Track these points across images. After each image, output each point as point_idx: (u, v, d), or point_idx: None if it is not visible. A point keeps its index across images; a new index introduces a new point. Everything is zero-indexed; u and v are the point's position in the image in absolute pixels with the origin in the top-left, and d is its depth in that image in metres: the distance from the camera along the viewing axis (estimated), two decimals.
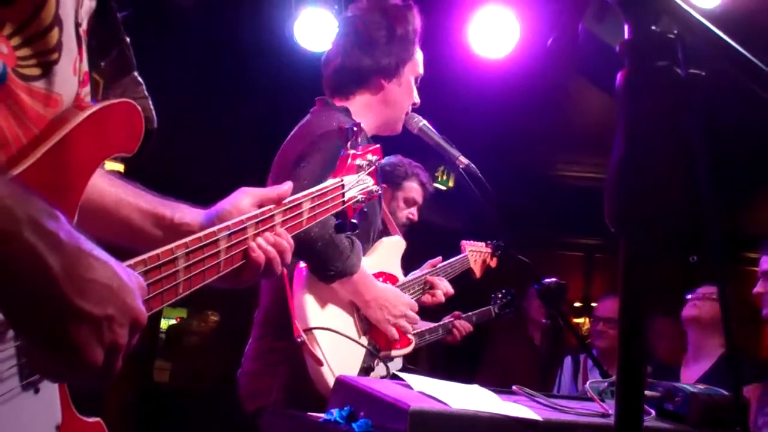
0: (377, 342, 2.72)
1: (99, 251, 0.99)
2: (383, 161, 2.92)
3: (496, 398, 1.99)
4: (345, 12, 3.02)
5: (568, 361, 5.24)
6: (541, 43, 5.04)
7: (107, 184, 1.45)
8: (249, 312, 2.87)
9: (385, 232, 3.10)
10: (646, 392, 2.14)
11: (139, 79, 1.36)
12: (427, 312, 3.27)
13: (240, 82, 5.94)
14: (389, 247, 2.97)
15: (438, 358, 6.97)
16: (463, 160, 2.94)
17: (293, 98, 3.43)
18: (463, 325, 3.63)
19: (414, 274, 3.12)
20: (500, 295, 4.03)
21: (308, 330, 2.48)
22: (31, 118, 1.08)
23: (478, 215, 3.22)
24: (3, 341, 1.01)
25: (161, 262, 1.21)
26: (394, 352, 2.79)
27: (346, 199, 1.87)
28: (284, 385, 2.54)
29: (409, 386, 1.96)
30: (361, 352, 2.65)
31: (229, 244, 1.41)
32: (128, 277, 1.02)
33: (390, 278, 2.90)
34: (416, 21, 2.85)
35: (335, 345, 2.52)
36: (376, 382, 2.04)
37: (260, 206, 1.55)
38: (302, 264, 2.56)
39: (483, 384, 2.15)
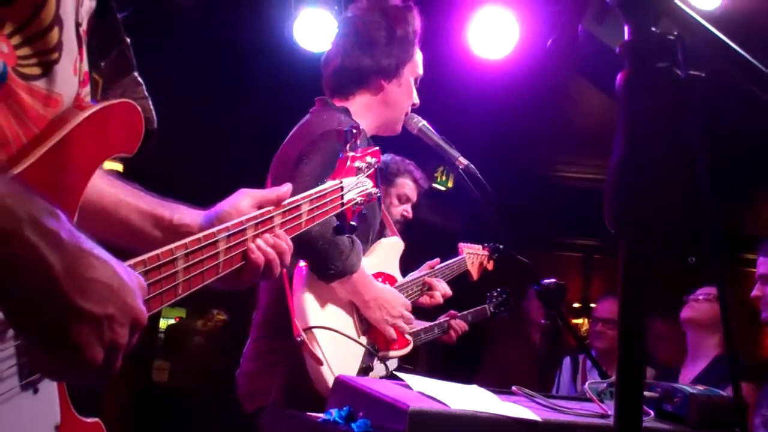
0: (376, 342, 2.72)
1: (100, 250, 0.99)
2: None
3: (495, 398, 1.99)
4: (345, 12, 3.02)
5: (567, 361, 5.25)
6: (540, 44, 5.03)
7: (106, 184, 1.45)
8: (248, 312, 2.87)
9: (384, 233, 3.10)
10: (645, 393, 2.14)
11: (139, 79, 1.36)
12: (422, 311, 3.28)
13: (239, 82, 5.94)
14: (388, 248, 2.97)
15: (437, 359, 6.97)
16: (463, 160, 2.94)
17: (293, 98, 3.43)
18: (459, 324, 3.63)
19: (412, 276, 3.12)
20: (495, 294, 4.02)
21: (308, 329, 2.48)
22: (32, 117, 1.08)
23: (478, 216, 3.22)
24: (3, 340, 1.01)
25: (161, 262, 1.21)
26: (392, 353, 2.79)
27: (345, 201, 1.87)
28: (283, 385, 2.54)
29: (408, 386, 1.96)
30: (360, 352, 2.65)
31: (228, 246, 1.41)
32: (129, 276, 1.02)
33: (388, 279, 2.91)
34: (416, 22, 2.85)
35: (335, 344, 2.52)
36: (375, 382, 2.04)
37: (259, 207, 1.55)
38: (302, 263, 2.56)
39: (482, 384, 2.15)
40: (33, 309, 0.91)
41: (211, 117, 6.47)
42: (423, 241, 3.93)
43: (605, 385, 2.25)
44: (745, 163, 6.05)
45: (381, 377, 2.69)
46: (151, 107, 1.33)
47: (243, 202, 1.54)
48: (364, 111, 2.81)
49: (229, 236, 1.41)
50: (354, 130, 1.95)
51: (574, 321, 8.32)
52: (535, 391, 2.14)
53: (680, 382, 3.68)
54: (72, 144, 1.10)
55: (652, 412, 2.14)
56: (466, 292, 3.79)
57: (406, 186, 3.99)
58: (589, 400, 2.11)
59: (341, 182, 1.86)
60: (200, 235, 1.34)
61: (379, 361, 2.73)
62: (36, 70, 1.08)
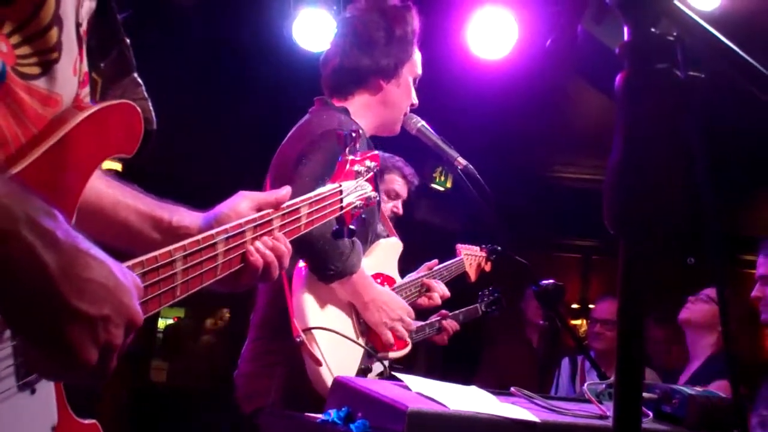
0: (375, 343, 2.72)
1: (96, 250, 0.99)
2: None
3: (494, 399, 1.99)
4: (344, 12, 3.02)
5: (565, 362, 5.25)
6: (539, 45, 5.04)
7: (105, 186, 1.44)
8: (247, 313, 2.87)
9: (383, 233, 3.09)
10: (644, 394, 2.14)
11: (139, 80, 1.36)
12: (416, 312, 3.27)
13: (239, 81, 5.94)
14: (386, 249, 2.97)
15: (436, 359, 6.97)
16: (462, 161, 2.93)
17: (292, 98, 3.43)
18: (450, 324, 3.63)
19: (410, 277, 3.12)
20: (486, 293, 4.01)
21: (307, 330, 2.48)
22: (30, 117, 1.07)
23: (477, 216, 3.22)
24: (0, 341, 1.01)
25: (159, 264, 1.21)
26: (391, 354, 2.78)
27: (344, 204, 1.87)
28: (282, 386, 2.54)
29: (407, 387, 1.96)
30: (359, 353, 2.65)
31: (227, 248, 1.41)
32: (125, 276, 1.02)
33: (387, 280, 2.90)
34: (415, 22, 2.85)
35: (334, 345, 2.52)
36: (374, 383, 2.03)
37: (258, 210, 1.55)
38: (301, 264, 2.55)
39: (481, 385, 2.15)
40: (28, 309, 0.91)
41: (211, 117, 6.47)
42: (421, 242, 3.92)
43: (604, 386, 2.25)
44: (744, 164, 6.06)
45: (379, 378, 2.69)
46: (151, 108, 1.32)
47: (242, 204, 1.54)
48: (363, 111, 2.81)
49: (227, 238, 1.41)
50: (354, 134, 1.95)
51: (573, 322, 8.32)
52: (533, 392, 2.14)
53: (679, 383, 3.69)
54: (71, 144, 1.10)
55: (650, 414, 2.14)
56: (466, 293, 3.79)
57: (395, 182, 3.98)
58: (588, 401, 2.10)
59: (340, 186, 1.86)
60: (199, 237, 1.34)
61: (378, 362, 2.73)
62: (35, 70, 1.08)
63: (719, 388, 3.49)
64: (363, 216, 2.02)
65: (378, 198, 2.09)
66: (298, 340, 2.43)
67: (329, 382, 2.30)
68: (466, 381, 2.23)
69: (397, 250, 3.03)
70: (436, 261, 3.30)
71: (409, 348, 2.87)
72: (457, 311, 3.73)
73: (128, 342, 1.03)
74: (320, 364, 2.44)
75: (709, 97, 1.08)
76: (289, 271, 2.55)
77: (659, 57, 1.02)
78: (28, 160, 1.04)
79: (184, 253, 1.28)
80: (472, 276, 3.63)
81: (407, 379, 2.02)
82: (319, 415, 1.93)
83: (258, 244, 1.50)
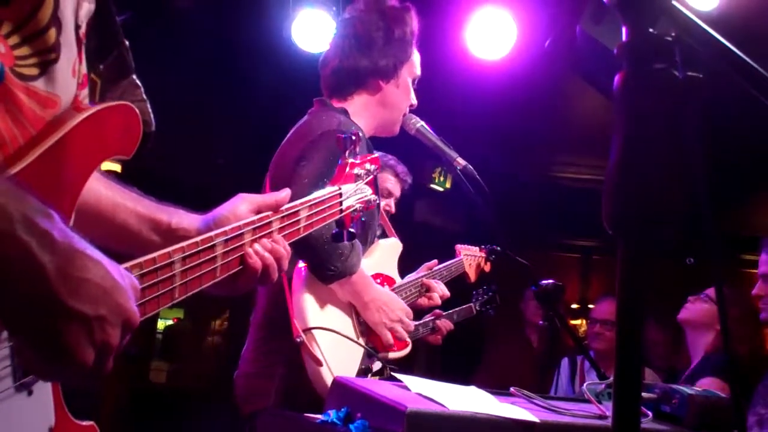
0: (375, 343, 2.72)
1: (92, 251, 0.98)
2: None
3: (494, 400, 1.99)
4: (343, 14, 3.03)
5: (565, 362, 5.25)
6: (538, 45, 5.04)
7: (104, 188, 1.44)
8: (247, 313, 2.87)
9: (383, 234, 3.10)
10: (643, 394, 2.14)
11: (138, 82, 1.36)
12: (414, 312, 3.27)
13: (238, 82, 5.94)
14: (386, 250, 2.97)
15: (435, 360, 6.97)
16: (461, 161, 2.94)
17: (291, 99, 3.43)
18: (444, 324, 3.62)
19: (410, 277, 3.12)
20: (481, 292, 4.00)
21: (307, 330, 2.48)
22: (29, 118, 1.07)
23: (476, 217, 3.22)
24: None
25: (157, 266, 1.21)
26: (391, 354, 2.78)
27: (343, 207, 1.86)
28: (282, 387, 2.54)
29: (406, 387, 1.96)
30: (359, 353, 2.65)
31: (225, 250, 1.41)
32: (121, 277, 1.02)
33: (387, 280, 2.90)
34: (414, 23, 2.86)
35: (334, 345, 2.52)
36: (373, 383, 2.03)
37: (258, 213, 1.55)
38: (301, 264, 2.55)
39: (480, 385, 2.15)
40: (24, 309, 0.91)
41: (210, 117, 6.47)
42: (421, 243, 3.92)
43: (603, 386, 2.25)
44: (744, 164, 6.06)
45: (380, 378, 2.69)
46: (149, 110, 1.33)
47: (241, 207, 1.54)
48: (362, 111, 2.81)
49: (226, 240, 1.41)
50: (353, 137, 1.95)
51: (573, 322, 8.32)
52: (533, 392, 2.14)
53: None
54: (69, 145, 1.10)
55: (650, 413, 2.14)
56: (465, 293, 3.79)
57: (388, 180, 3.97)
58: (587, 401, 2.10)
59: (340, 189, 1.85)
60: (198, 239, 1.34)
61: (378, 363, 2.73)
62: (34, 71, 1.08)
63: (706, 385, 3.51)
64: (363, 219, 2.02)
65: (378, 201, 2.09)
66: (298, 340, 2.43)
67: (329, 382, 2.30)
68: (465, 381, 2.23)
69: (397, 250, 3.04)
70: (435, 261, 3.30)
71: (409, 348, 2.87)
72: (451, 311, 3.73)
73: (125, 342, 1.03)
74: (320, 365, 2.44)
75: (707, 98, 1.08)
76: (289, 272, 2.55)
77: (658, 57, 1.02)
78: (26, 161, 1.04)
79: (183, 255, 1.28)
80: (472, 276, 3.63)
81: (406, 379, 2.02)
82: (319, 416, 1.93)
83: (257, 246, 1.49)
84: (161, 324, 8.46)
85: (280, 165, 2.66)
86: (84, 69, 1.23)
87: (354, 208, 1.91)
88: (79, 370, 0.97)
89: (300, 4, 5.00)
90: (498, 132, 6.39)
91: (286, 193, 1.62)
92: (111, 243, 1.39)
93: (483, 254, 3.68)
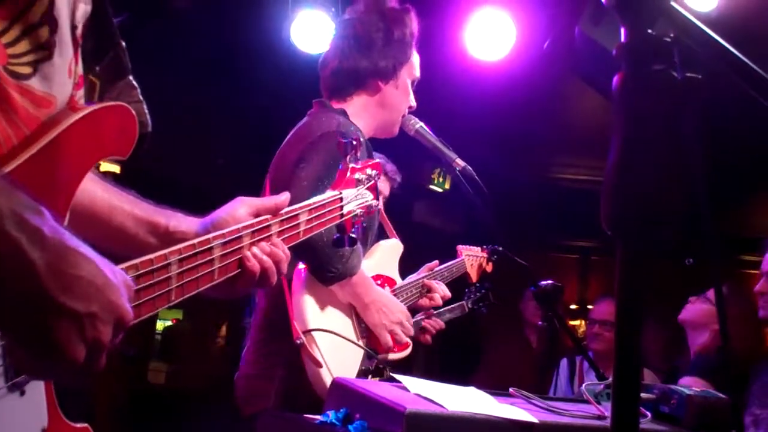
0: (375, 345, 2.72)
1: (84, 248, 0.98)
2: None
3: (493, 400, 1.99)
4: (343, 15, 3.03)
5: (564, 363, 5.24)
6: (537, 46, 5.05)
7: (101, 190, 1.44)
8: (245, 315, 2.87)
9: (383, 235, 3.09)
10: (642, 395, 2.14)
11: (134, 83, 1.36)
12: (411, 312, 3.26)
13: (236, 83, 5.94)
14: (387, 251, 2.97)
15: (434, 360, 6.97)
16: (460, 162, 2.94)
17: (290, 99, 3.43)
18: (433, 324, 3.60)
19: (411, 278, 3.11)
20: (473, 289, 3.97)
21: (307, 332, 2.47)
22: (22, 117, 1.07)
23: (475, 217, 3.22)
24: None
25: (154, 267, 1.21)
26: (391, 355, 2.78)
27: (344, 212, 1.86)
28: (282, 389, 2.54)
29: (405, 388, 1.96)
30: (359, 355, 2.65)
31: (223, 252, 1.40)
32: (114, 274, 1.01)
33: (387, 281, 2.90)
34: (413, 24, 2.86)
35: (334, 347, 2.52)
36: (372, 384, 2.03)
37: (257, 216, 1.54)
38: (301, 266, 2.55)
39: (479, 386, 2.15)
40: (14, 306, 0.91)
41: (209, 118, 6.47)
42: (422, 244, 3.92)
43: (602, 386, 2.25)
44: (744, 165, 6.07)
45: (380, 380, 2.69)
46: (146, 111, 1.32)
47: (240, 210, 1.54)
48: (361, 112, 2.82)
49: (224, 243, 1.41)
50: (354, 142, 1.95)
51: (571, 323, 8.32)
52: (532, 393, 2.14)
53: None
54: (64, 145, 1.09)
55: (649, 414, 2.14)
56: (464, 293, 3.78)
57: None
58: (586, 401, 2.10)
59: (341, 193, 1.85)
60: (195, 241, 1.33)
61: (378, 364, 2.72)
62: (27, 69, 1.08)
63: (686, 383, 3.52)
64: (364, 224, 2.01)
65: (379, 206, 2.09)
66: (298, 342, 2.43)
67: (329, 383, 2.30)
68: (464, 381, 2.23)
69: (398, 251, 3.03)
70: (436, 262, 3.29)
71: (409, 349, 2.87)
72: (442, 309, 3.71)
73: (118, 340, 1.03)
74: (320, 366, 2.44)
75: (706, 98, 1.08)
76: (289, 274, 2.55)
77: (656, 58, 1.02)
78: (20, 161, 1.03)
79: (180, 257, 1.27)
80: (474, 277, 3.61)
81: (405, 380, 2.02)
82: (318, 417, 1.93)
83: (255, 249, 1.49)
84: (160, 325, 8.46)
85: (280, 167, 2.66)
86: (80, 70, 1.23)
87: (355, 213, 1.91)
88: (70, 368, 0.96)
89: (299, 5, 5.00)
90: (497, 133, 6.39)
91: (285, 196, 1.61)
92: (108, 245, 1.38)
93: (485, 254, 3.67)
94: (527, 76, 5.42)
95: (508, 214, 3.95)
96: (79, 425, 1.20)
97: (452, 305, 3.78)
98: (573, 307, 8.62)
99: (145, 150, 1.28)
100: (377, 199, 2.06)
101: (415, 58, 2.92)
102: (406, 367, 2.92)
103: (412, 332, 2.79)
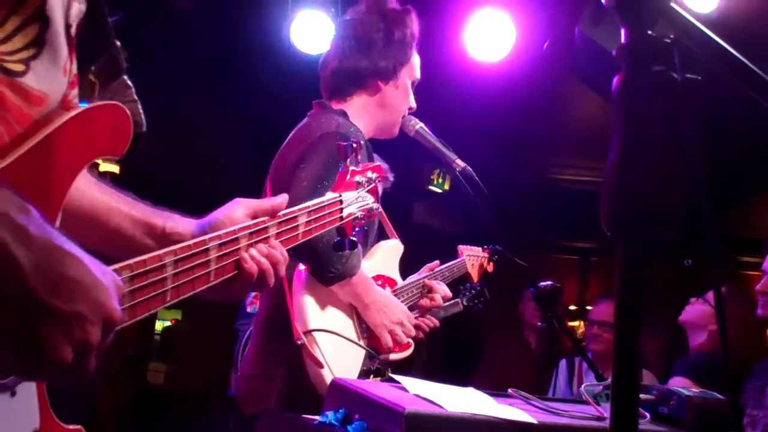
0: (376, 345, 2.72)
1: (72, 247, 0.96)
2: None
3: (492, 401, 1.99)
4: (344, 15, 3.03)
5: (563, 364, 5.24)
6: (537, 47, 5.05)
7: (98, 191, 1.43)
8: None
9: (384, 235, 3.09)
10: (641, 396, 2.14)
11: (129, 82, 1.35)
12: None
13: (236, 83, 5.95)
14: (387, 251, 2.97)
15: (433, 361, 6.97)
16: (460, 162, 2.94)
17: (290, 100, 3.43)
18: (425, 322, 3.59)
19: (412, 278, 3.11)
20: (468, 286, 3.96)
21: (308, 332, 2.47)
22: (14, 115, 1.05)
23: (475, 218, 3.22)
24: None
25: (148, 268, 1.20)
26: (393, 355, 2.78)
27: (344, 215, 1.85)
28: (283, 389, 2.54)
29: (404, 389, 1.96)
30: (361, 355, 2.64)
31: (220, 254, 1.39)
32: (102, 274, 1.00)
33: (388, 281, 2.90)
34: (414, 25, 2.86)
35: (335, 347, 2.52)
36: (371, 385, 2.03)
37: (254, 217, 1.53)
38: (302, 266, 2.55)
39: (478, 386, 2.15)
40: None
41: (209, 118, 6.47)
42: (421, 244, 3.91)
43: (601, 387, 2.25)
44: (744, 166, 6.07)
45: (381, 380, 2.69)
46: (141, 110, 1.32)
47: (237, 211, 1.53)
48: (361, 113, 2.82)
49: (221, 245, 1.40)
50: (354, 144, 1.94)
51: (571, 323, 8.32)
52: (531, 394, 2.14)
53: None
54: (56, 144, 1.08)
55: (648, 415, 2.14)
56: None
57: None
58: (585, 402, 2.10)
59: (340, 196, 1.84)
60: (191, 242, 1.32)
61: (380, 364, 2.72)
62: (20, 67, 1.06)
63: (674, 384, 3.53)
64: (365, 227, 2.01)
65: (380, 210, 2.08)
66: (299, 342, 2.43)
67: None
68: (463, 382, 2.23)
69: (398, 251, 3.03)
70: (437, 262, 3.29)
71: (411, 349, 2.86)
72: (437, 307, 3.69)
73: (108, 342, 1.01)
74: (322, 366, 2.43)
75: (706, 100, 1.08)
76: (289, 274, 2.55)
77: (656, 59, 1.02)
78: (10, 159, 1.02)
79: (175, 258, 1.27)
80: (475, 277, 3.60)
81: (404, 380, 2.02)
82: (317, 417, 1.93)
83: (253, 251, 1.48)
84: (159, 325, 8.46)
85: (280, 168, 2.66)
86: (75, 69, 1.22)
87: (355, 216, 1.90)
88: (57, 369, 0.94)
89: (299, 6, 5.00)
90: (497, 133, 6.40)
91: (283, 198, 1.60)
92: (105, 247, 1.38)
93: (486, 254, 3.66)
94: (527, 77, 5.43)
95: (507, 214, 3.95)
96: (72, 427, 1.18)
97: (446, 303, 3.77)
98: (572, 308, 8.62)
99: (141, 150, 1.28)
100: (378, 202, 2.06)
101: (416, 59, 2.92)
102: (405, 367, 2.92)
103: (413, 332, 2.78)
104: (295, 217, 1.64)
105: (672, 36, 1.04)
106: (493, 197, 2.93)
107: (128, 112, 1.21)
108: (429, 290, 3.08)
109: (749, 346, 3.98)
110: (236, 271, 1.45)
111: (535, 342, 5.91)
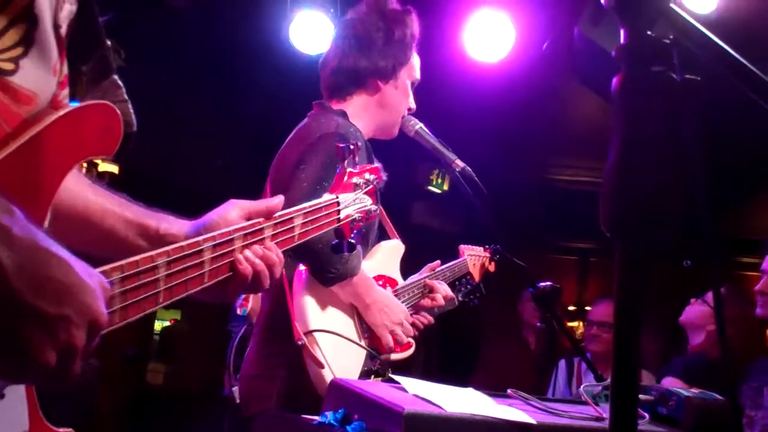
0: (377, 345, 2.71)
1: (58, 248, 0.95)
2: None
3: (491, 401, 1.99)
4: (344, 15, 3.03)
5: (562, 364, 5.24)
6: (536, 47, 5.05)
7: (91, 192, 1.42)
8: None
9: (384, 236, 3.09)
10: (641, 396, 2.14)
11: (119, 82, 1.34)
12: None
13: (235, 84, 5.95)
14: (388, 251, 2.96)
15: (433, 361, 6.97)
16: (459, 163, 2.94)
17: (288, 100, 3.43)
18: (420, 319, 3.58)
19: (413, 278, 3.11)
20: (464, 282, 3.94)
21: (309, 333, 2.47)
22: (2, 114, 1.05)
23: (474, 218, 3.21)
24: None
25: (140, 269, 1.19)
26: (394, 356, 2.78)
27: (341, 217, 1.84)
28: (284, 390, 2.53)
29: (403, 389, 1.96)
30: (362, 355, 2.64)
31: (214, 255, 1.39)
32: (89, 276, 0.99)
33: (389, 282, 2.90)
34: (414, 26, 2.86)
35: (336, 348, 2.52)
36: (370, 385, 2.03)
37: (249, 219, 1.52)
38: (302, 267, 2.55)
39: (477, 387, 2.15)
40: None
41: (207, 119, 6.47)
42: (421, 245, 3.91)
43: (600, 388, 2.25)
44: (743, 167, 6.07)
45: (382, 380, 2.68)
46: (131, 110, 1.31)
47: (232, 212, 1.51)
48: (361, 112, 2.82)
49: (215, 246, 1.39)
50: (351, 146, 1.94)
51: (570, 324, 8.32)
52: (530, 394, 2.14)
53: None
54: (44, 143, 1.07)
55: (647, 415, 2.14)
56: None
57: None
58: (585, 403, 2.10)
59: (337, 197, 1.83)
60: (184, 243, 1.32)
61: (381, 364, 2.72)
62: (10, 66, 1.06)
63: (665, 384, 3.54)
64: (363, 230, 2.00)
65: (378, 211, 2.08)
66: (299, 343, 2.43)
67: None
68: (462, 382, 2.23)
69: (399, 251, 3.03)
70: (438, 262, 3.28)
71: (412, 349, 2.86)
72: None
73: (94, 345, 1.00)
74: (322, 367, 2.43)
75: (705, 100, 1.08)
76: (290, 275, 2.55)
77: (656, 60, 1.02)
78: None
79: (168, 259, 1.26)
80: (476, 276, 3.59)
81: (404, 381, 2.02)
82: (316, 417, 1.93)
83: (247, 252, 1.47)
84: (158, 325, 8.45)
85: (280, 168, 2.66)
86: (66, 69, 1.21)
87: (353, 217, 1.89)
88: (41, 372, 0.93)
89: (297, 6, 5.00)
90: (496, 134, 6.40)
91: (279, 199, 1.60)
92: (98, 248, 1.37)
93: (487, 254, 3.64)
94: (526, 77, 5.43)
95: (506, 215, 3.95)
96: (62, 429, 1.17)
97: None
98: (571, 308, 8.62)
99: (131, 150, 1.27)
100: (376, 203, 2.05)
101: (416, 60, 2.93)
102: (404, 367, 2.92)
103: (412, 333, 2.78)
104: (291, 218, 1.63)
105: (671, 36, 1.04)
106: (492, 197, 2.93)
107: (118, 111, 1.20)
108: (430, 290, 3.08)
109: (748, 346, 3.98)
110: (231, 273, 1.44)
111: (535, 342, 5.90)
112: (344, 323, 2.62)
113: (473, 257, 3.56)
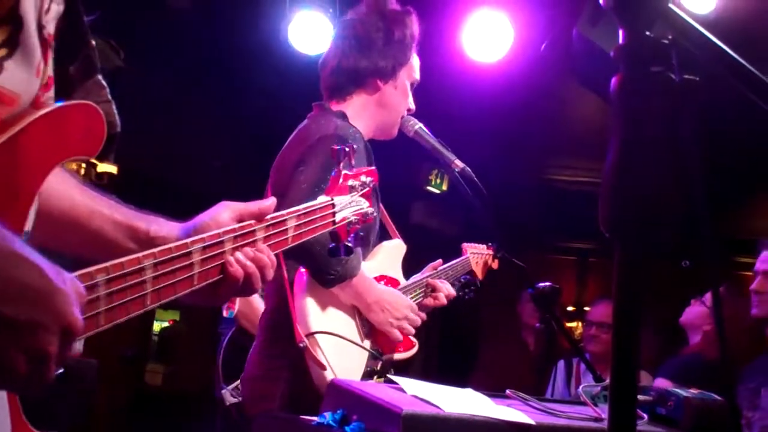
0: (380, 345, 2.71)
1: (30, 252, 0.93)
2: None
3: (490, 402, 1.99)
4: (344, 15, 3.03)
5: (561, 365, 5.25)
6: (535, 47, 5.05)
7: (78, 193, 1.40)
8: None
9: (386, 235, 3.09)
10: (639, 397, 2.14)
11: (103, 82, 1.33)
12: None
13: (233, 84, 5.94)
14: (390, 251, 2.96)
15: (431, 361, 6.97)
16: (459, 163, 2.94)
17: (287, 100, 3.43)
18: (421, 316, 3.57)
19: (415, 278, 3.10)
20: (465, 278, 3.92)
21: (310, 335, 2.47)
22: None
23: (473, 219, 3.21)
24: None
25: (126, 271, 1.17)
26: (396, 355, 2.78)
27: (337, 219, 1.82)
28: (286, 391, 2.53)
29: (402, 389, 1.96)
30: (364, 356, 2.64)
31: (203, 257, 1.37)
32: (62, 281, 0.97)
33: (391, 281, 2.89)
34: (414, 26, 2.87)
35: (338, 349, 2.51)
36: (369, 385, 2.03)
37: (240, 220, 1.50)
38: (302, 269, 2.55)
39: (476, 387, 2.15)
40: None
41: (205, 119, 6.47)
42: (420, 245, 3.91)
43: (599, 388, 2.25)
44: (741, 167, 6.08)
45: (384, 380, 2.68)
46: (115, 111, 1.30)
47: (223, 214, 1.49)
48: (360, 113, 2.82)
49: (204, 248, 1.37)
50: (347, 149, 1.93)
51: (569, 324, 8.32)
52: (529, 395, 2.14)
53: None
54: (24, 143, 1.06)
55: (645, 416, 2.14)
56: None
57: None
58: (583, 403, 2.11)
59: (332, 200, 1.81)
60: (172, 245, 1.30)
61: (383, 365, 2.72)
62: None
63: (658, 384, 3.55)
64: (361, 233, 1.98)
65: (375, 214, 2.07)
66: (301, 345, 2.43)
67: None
68: (461, 383, 2.23)
69: (401, 251, 3.02)
70: (440, 261, 3.28)
71: (415, 349, 2.86)
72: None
73: (70, 352, 0.98)
74: (324, 368, 2.43)
75: (704, 101, 1.08)
76: (291, 276, 2.55)
77: (654, 60, 1.02)
78: None
79: (155, 261, 1.24)
80: (479, 274, 3.58)
81: (402, 381, 2.02)
82: (314, 418, 1.93)
83: (238, 254, 1.45)
84: (157, 326, 8.43)
85: (280, 170, 2.66)
86: (50, 71, 1.20)
87: (349, 220, 1.88)
88: (13, 379, 0.91)
89: (296, 6, 5.00)
90: (495, 134, 6.40)
91: (271, 201, 1.58)
92: (86, 250, 1.36)
93: (490, 252, 3.63)
94: (525, 78, 5.43)
95: (506, 215, 3.95)
96: None
97: None
98: (570, 308, 8.61)
99: (116, 150, 1.26)
100: (373, 206, 2.04)
101: (415, 61, 2.93)
102: (403, 368, 2.92)
103: (419, 322, 2.77)
104: (284, 220, 1.61)
105: (670, 37, 1.04)
106: (491, 198, 2.93)
107: (101, 112, 1.18)
108: (432, 289, 3.08)
109: (745, 347, 3.99)
110: (221, 275, 1.42)
111: (534, 343, 5.90)
112: (346, 324, 2.62)
113: (476, 255, 3.55)
